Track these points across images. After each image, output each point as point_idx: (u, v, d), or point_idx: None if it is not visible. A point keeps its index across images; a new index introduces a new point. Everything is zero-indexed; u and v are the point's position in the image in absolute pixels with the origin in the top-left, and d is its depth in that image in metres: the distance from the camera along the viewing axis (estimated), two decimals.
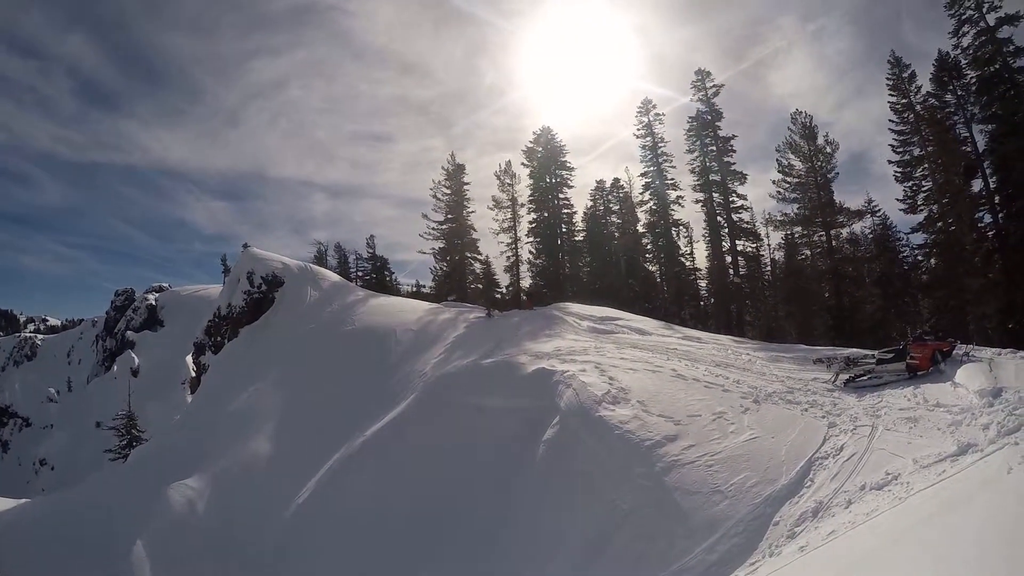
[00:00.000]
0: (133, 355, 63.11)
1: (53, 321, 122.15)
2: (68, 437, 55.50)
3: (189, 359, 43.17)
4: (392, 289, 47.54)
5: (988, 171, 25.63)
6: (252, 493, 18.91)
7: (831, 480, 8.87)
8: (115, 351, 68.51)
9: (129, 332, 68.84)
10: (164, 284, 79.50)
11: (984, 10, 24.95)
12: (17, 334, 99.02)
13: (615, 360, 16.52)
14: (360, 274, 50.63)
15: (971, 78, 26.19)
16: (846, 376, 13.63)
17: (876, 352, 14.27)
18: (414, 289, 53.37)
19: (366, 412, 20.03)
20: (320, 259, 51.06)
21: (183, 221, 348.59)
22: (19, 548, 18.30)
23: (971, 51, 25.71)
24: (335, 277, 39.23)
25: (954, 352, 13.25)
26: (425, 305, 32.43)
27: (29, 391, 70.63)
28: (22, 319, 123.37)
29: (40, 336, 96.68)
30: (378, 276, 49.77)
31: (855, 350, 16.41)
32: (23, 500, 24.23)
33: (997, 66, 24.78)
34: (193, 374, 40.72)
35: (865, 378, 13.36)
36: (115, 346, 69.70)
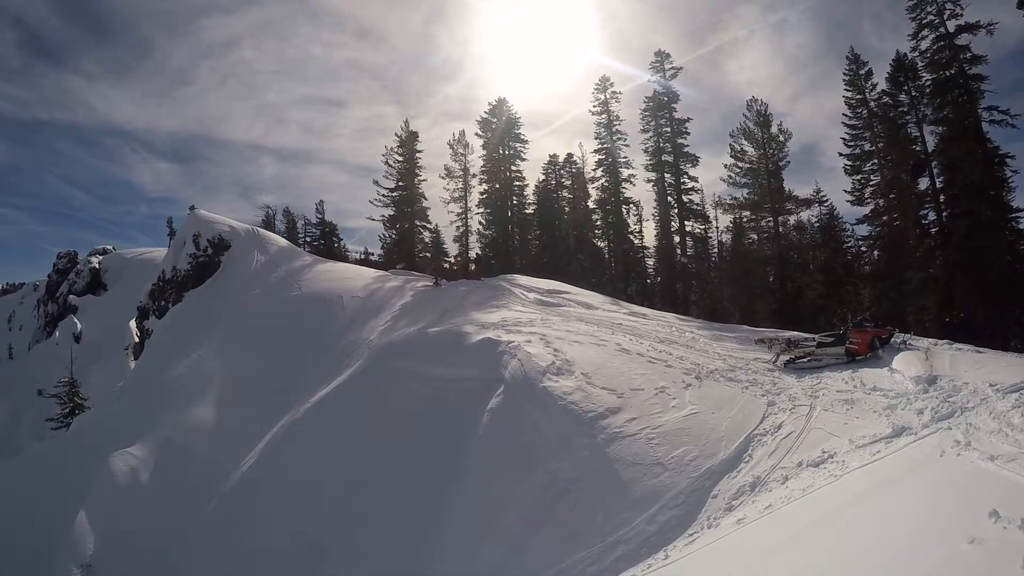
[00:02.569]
0: (76, 320, 60.21)
1: None
2: (9, 406, 52.89)
3: (132, 324, 41.52)
4: (340, 255, 46.59)
5: (935, 171, 26.27)
6: (196, 461, 18.57)
7: (769, 456, 8.99)
8: (57, 316, 64.82)
9: (72, 296, 65.25)
10: (108, 247, 74.99)
11: (945, 16, 25.31)
12: None
13: (561, 332, 16.43)
14: (308, 239, 49.64)
15: (926, 80, 26.68)
16: (787, 357, 13.81)
17: (817, 336, 14.56)
18: (363, 256, 52.46)
19: (311, 379, 19.61)
20: (268, 223, 50.00)
21: (128, 182, 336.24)
22: None
23: (929, 55, 26.12)
24: (283, 242, 38.21)
25: (892, 340, 13.60)
26: (373, 272, 31.86)
27: None
28: None
29: None
30: (326, 242, 48.78)
31: (796, 333, 16.70)
32: None
33: (953, 71, 25.23)
34: (137, 339, 39.18)
35: (805, 360, 13.59)
36: (57, 311, 65.88)
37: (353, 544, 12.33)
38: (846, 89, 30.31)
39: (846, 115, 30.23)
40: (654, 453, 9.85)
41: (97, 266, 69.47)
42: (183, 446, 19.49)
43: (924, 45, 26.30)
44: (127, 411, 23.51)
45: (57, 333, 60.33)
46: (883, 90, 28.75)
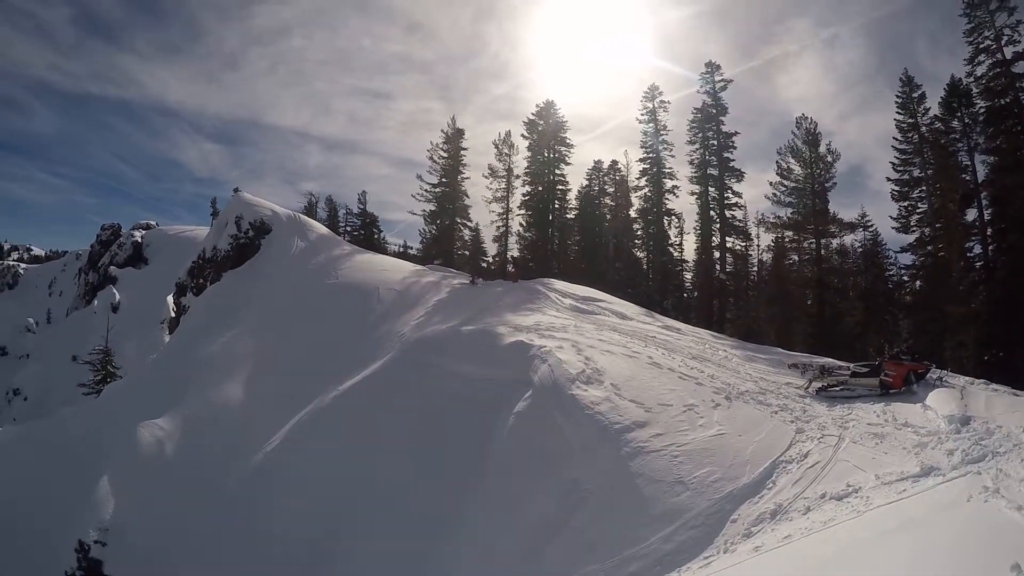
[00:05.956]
0: (115, 291, 61.65)
1: (37, 251, 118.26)
2: (43, 368, 54.71)
3: (170, 299, 42.43)
4: (379, 247, 47.08)
5: (984, 202, 25.72)
6: (221, 437, 18.97)
7: (793, 485, 8.91)
8: (97, 285, 66.84)
9: (112, 267, 67.20)
10: (151, 222, 77.55)
11: (1002, 42, 24.76)
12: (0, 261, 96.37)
13: (593, 341, 16.46)
14: (349, 229, 50.31)
15: (980, 107, 26.12)
16: (819, 384, 13.67)
17: (851, 365, 14.36)
18: (401, 249, 53.05)
19: (341, 367, 19.93)
20: (310, 210, 50.83)
21: (175, 161, 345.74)
22: None
23: (984, 81, 25.58)
24: (323, 229, 38.69)
25: (928, 375, 13.35)
26: (410, 266, 32.20)
27: (7, 320, 68.45)
28: (6, 247, 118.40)
29: (23, 265, 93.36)
30: (367, 233, 49.38)
31: (831, 360, 16.50)
32: None
33: (1008, 99, 24.67)
34: (173, 314, 39.95)
35: (838, 389, 13.40)
36: (97, 280, 67.95)
37: (370, 535, 12.65)
38: (898, 112, 29.72)
39: (896, 139, 29.67)
40: (677, 471, 9.86)
41: (140, 240, 71.17)
42: (209, 422, 19.94)
43: (980, 71, 25.81)
44: (158, 383, 23.99)
45: (96, 302, 61.86)
46: (935, 115, 28.18)
